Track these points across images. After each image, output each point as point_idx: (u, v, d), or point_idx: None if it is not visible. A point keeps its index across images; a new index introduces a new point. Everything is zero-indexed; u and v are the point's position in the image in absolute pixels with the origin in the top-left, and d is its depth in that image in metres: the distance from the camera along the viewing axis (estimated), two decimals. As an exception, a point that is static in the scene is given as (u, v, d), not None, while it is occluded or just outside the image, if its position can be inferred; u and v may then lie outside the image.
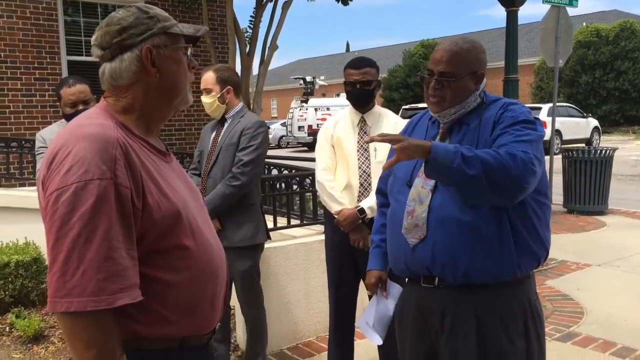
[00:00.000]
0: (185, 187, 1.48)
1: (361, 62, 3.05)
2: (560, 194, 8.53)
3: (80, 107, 3.09)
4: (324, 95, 31.78)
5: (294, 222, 4.38)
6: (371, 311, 2.29)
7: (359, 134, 3.07)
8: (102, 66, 1.43)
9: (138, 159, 1.33)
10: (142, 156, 1.36)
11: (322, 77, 34.59)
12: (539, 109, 17.53)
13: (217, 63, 7.12)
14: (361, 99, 3.06)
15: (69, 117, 3.10)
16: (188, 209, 1.41)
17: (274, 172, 5.47)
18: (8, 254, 4.41)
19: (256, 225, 3.22)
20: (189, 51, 1.49)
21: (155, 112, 1.46)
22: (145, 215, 1.30)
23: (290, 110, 25.89)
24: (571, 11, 8.30)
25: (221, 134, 3.26)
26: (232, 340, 3.84)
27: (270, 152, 4.40)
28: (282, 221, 4.36)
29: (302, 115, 24.76)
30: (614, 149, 8.31)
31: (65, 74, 7.90)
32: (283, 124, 26.88)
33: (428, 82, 1.99)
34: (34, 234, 4.49)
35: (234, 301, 3.59)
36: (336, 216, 3.00)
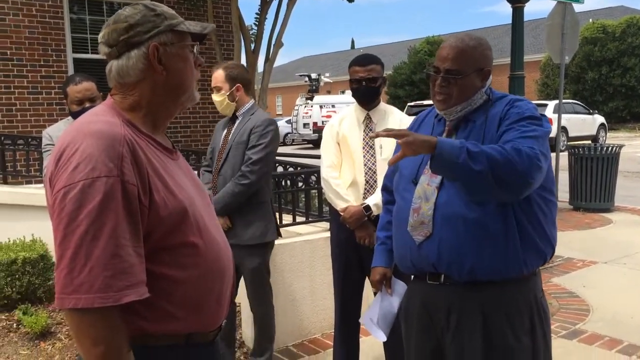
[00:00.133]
0: (191, 185, 1.48)
1: (366, 59, 3.05)
2: (566, 191, 8.51)
3: (87, 105, 3.09)
4: (329, 93, 31.78)
5: (299, 219, 4.38)
6: (375, 308, 2.30)
7: (364, 131, 3.07)
8: (109, 64, 1.43)
9: (145, 156, 1.33)
10: (149, 153, 1.36)
11: (327, 74, 34.51)
12: (545, 105, 17.44)
13: (222, 60, 7.13)
14: (367, 96, 3.05)
15: (75, 115, 3.10)
16: (195, 206, 1.41)
17: (280, 169, 5.47)
18: (15, 251, 4.44)
19: (266, 224, 3.22)
20: (196, 49, 1.50)
21: (162, 109, 1.46)
22: (152, 213, 1.30)
23: (296, 108, 25.88)
24: (577, 7, 8.26)
25: (232, 132, 3.25)
26: (238, 337, 3.85)
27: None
28: (287, 218, 4.37)
29: (307, 113, 24.75)
30: (621, 146, 8.27)
31: (71, 71, 7.94)
32: (288, 121, 26.85)
33: (434, 79, 1.98)
34: (40, 231, 4.52)
35: (239, 298, 3.60)
36: (342, 213, 3.00)
